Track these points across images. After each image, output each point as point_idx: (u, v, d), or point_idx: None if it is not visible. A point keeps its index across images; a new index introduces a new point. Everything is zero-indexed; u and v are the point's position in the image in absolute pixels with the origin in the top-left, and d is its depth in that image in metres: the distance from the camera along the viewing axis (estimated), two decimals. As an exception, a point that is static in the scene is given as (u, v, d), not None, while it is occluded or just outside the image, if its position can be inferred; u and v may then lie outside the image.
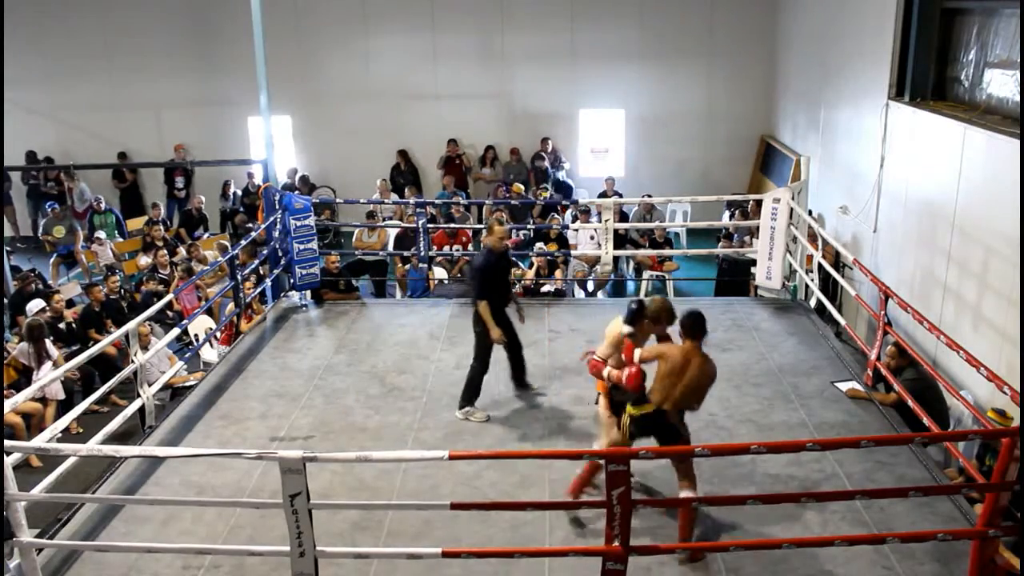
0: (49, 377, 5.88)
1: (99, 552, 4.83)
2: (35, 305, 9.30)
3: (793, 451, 5.49)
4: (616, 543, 4.08)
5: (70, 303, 10.28)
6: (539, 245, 10.66)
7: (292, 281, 8.94)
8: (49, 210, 13.01)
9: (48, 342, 8.39)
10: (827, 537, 4.62)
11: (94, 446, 4.75)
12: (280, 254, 8.88)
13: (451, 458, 4.14)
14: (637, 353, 4.88)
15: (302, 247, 8.79)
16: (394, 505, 5.25)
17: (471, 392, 6.47)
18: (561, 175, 14.11)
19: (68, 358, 8.02)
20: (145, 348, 7.42)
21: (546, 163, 13.92)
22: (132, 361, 6.29)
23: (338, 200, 13.02)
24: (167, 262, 10.99)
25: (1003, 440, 3.98)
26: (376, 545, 4.88)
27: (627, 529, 4.06)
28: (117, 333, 6.45)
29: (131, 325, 6.30)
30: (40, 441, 5.22)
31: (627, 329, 5.06)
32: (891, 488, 5.11)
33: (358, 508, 5.12)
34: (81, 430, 7.93)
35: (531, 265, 10.39)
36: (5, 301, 9.74)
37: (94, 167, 14.45)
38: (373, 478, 5.59)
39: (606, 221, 9.12)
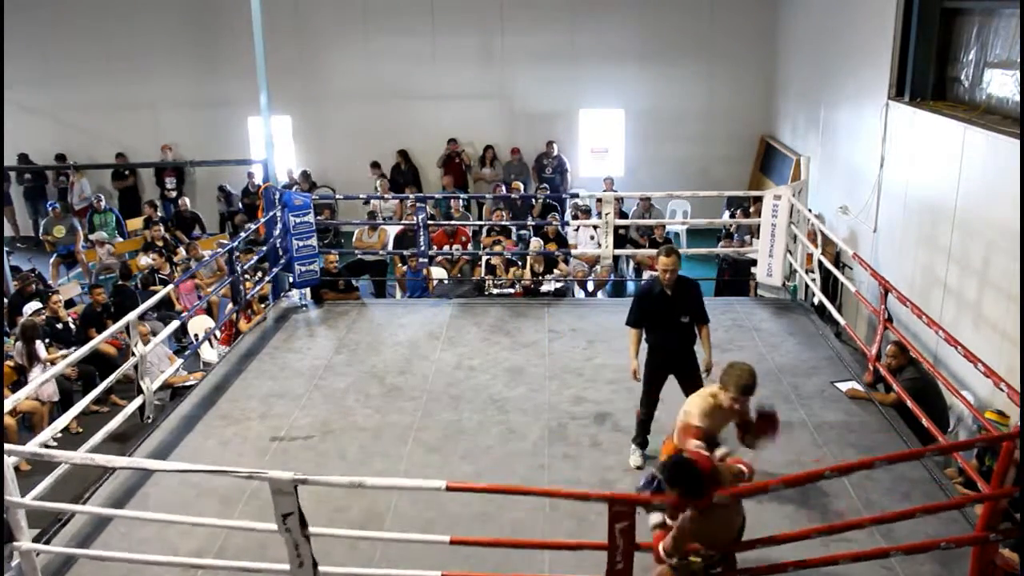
0: (42, 378, 5.86)
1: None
2: (31, 307, 9.30)
3: (809, 481, 4.94)
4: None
5: (70, 303, 10.28)
6: (535, 240, 10.66)
7: (292, 279, 8.94)
8: (49, 210, 13.00)
9: (40, 344, 8.36)
10: (830, 549, 4.59)
11: (86, 455, 4.70)
12: (280, 252, 8.88)
13: (449, 490, 4.03)
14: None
15: (301, 244, 8.79)
16: (389, 539, 4.87)
17: (637, 431, 5.85)
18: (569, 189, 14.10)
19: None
20: (144, 344, 7.39)
21: (547, 172, 13.91)
22: (132, 355, 6.24)
23: (337, 196, 13.01)
24: (164, 262, 10.99)
25: (1004, 444, 3.97)
26: (374, 551, 4.83)
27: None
28: (115, 327, 6.36)
29: (131, 316, 6.21)
30: (37, 441, 5.20)
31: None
32: (897, 512, 4.71)
33: (350, 538, 4.75)
34: (81, 430, 7.93)
35: (525, 264, 10.40)
36: (5, 301, 9.73)
37: (94, 167, 14.48)
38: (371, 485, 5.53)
39: (606, 215, 9.10)
